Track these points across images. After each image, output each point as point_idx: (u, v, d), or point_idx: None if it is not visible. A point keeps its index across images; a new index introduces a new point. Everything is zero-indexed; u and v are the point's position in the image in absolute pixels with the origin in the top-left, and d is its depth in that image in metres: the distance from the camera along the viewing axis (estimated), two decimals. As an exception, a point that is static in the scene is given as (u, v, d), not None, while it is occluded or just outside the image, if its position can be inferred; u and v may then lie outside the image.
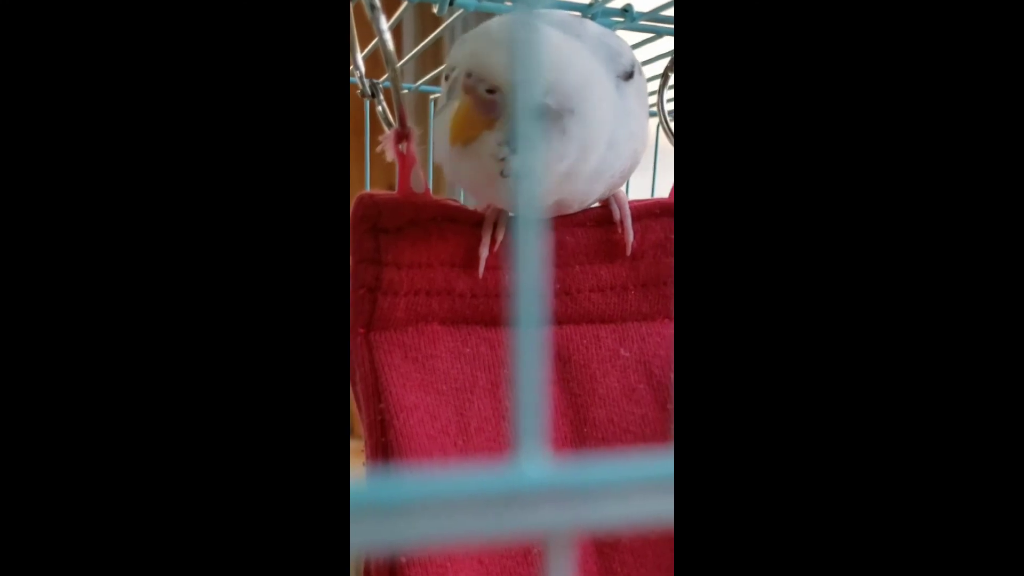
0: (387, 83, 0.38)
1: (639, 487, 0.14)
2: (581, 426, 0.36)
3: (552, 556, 0.14)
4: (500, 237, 0.35)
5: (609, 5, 0.38)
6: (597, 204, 0.37)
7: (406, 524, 0.13)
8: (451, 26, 0.43)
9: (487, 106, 0.29)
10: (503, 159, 0.29)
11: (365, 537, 0.13)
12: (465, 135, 0.30)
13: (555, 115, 0.29)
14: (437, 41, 0.47)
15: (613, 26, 0.39)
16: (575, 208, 0.35)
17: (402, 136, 0.35)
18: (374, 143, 0.48)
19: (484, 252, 0.34)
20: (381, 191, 0.35)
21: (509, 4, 0.38)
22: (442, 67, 0.51)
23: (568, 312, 0.36)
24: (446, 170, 0.33)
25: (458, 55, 0.32)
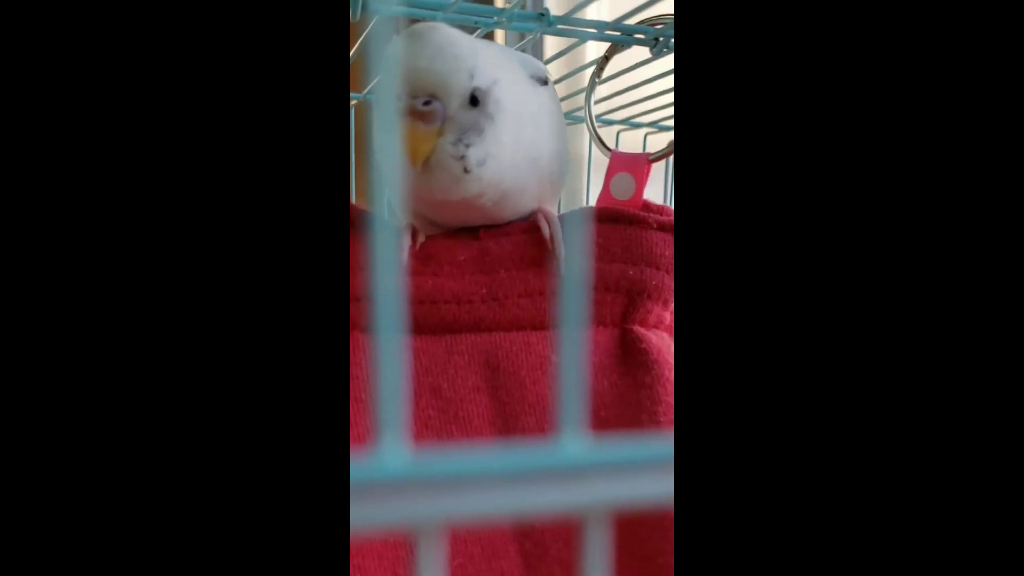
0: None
1: (496, 477, 0.13)
2: (509, 433, 0.35)
3: (422, 547, 0.13)
4: (420, 241, 0.35)
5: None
6: (524, 220, 0.37)
7: None
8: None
9: (429, 117, 0.30)
10: (462, 156, 0.31)
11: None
12: (422, 153, 0.31)
13: (484, 96, 0.31)
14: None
15: (531, 31, 0.39)
16: (508, 214, 0.36)
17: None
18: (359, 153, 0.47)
19: (404, 255, 0.34)
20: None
21: (424, 11, 0.38)
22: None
23: (496, 318, 0.35)
24: (408, 201, 0.34)
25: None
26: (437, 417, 0.34)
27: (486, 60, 0.31)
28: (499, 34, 1.14)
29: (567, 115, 0.62)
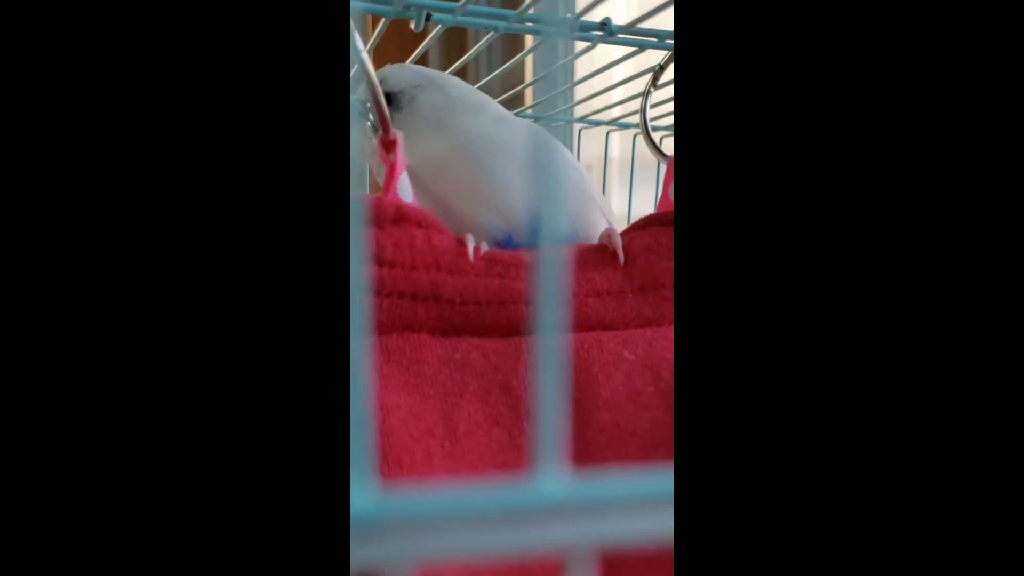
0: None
1: (660, 502, 0.13)
2: (583, 431, 0.34)
3: (573, 573, 0.13)
4: (483, 248, 0.35)
5: (588, 19, 0.38)
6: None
7: (420, 541, 0.12)
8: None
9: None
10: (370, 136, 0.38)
11: (376, 554, 0.12)
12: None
13: (398, 96, 0.38)
14: (422, 57, 0.47)
15: (593, 40, 0.39)
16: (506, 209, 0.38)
17: (388, 144, 0.35)
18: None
19: (470, 245, 0.34)
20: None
21: (486, 20, 0.38)
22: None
23: (566, 319, 0.35)
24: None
25: None
26: (508, 414, 0.34)
27: (405, 72, 0.39)
28: (528, 39, 1.14)
29: (612, 122, 0.62)
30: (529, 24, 0.38)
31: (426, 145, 0.38)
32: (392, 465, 0.29)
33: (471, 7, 0.36)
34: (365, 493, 0.12)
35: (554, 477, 0.13)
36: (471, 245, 0.34)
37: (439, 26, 0.38)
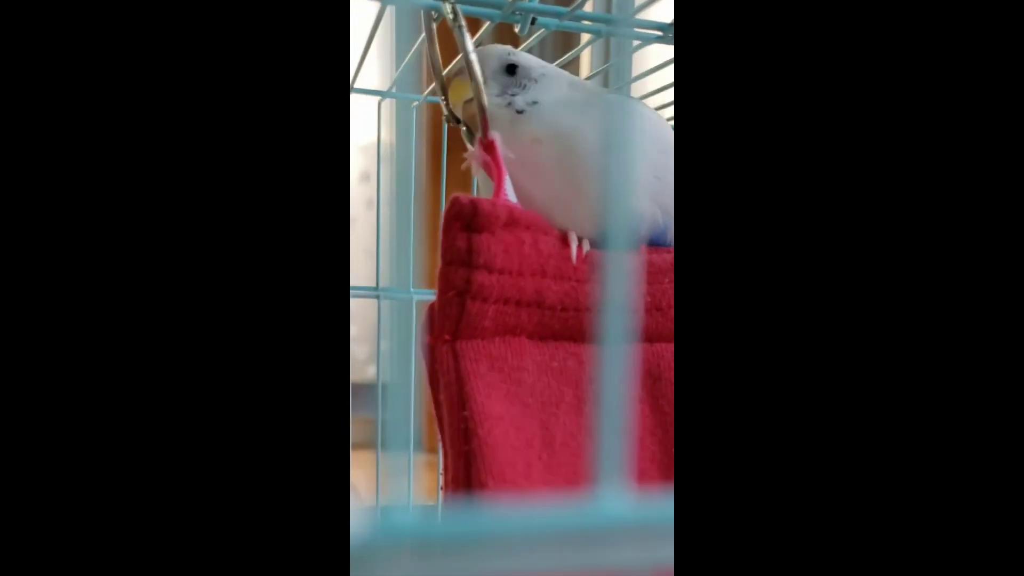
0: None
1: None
2: (670, 445, 0.35)
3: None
4: (586, 247, 0.35)
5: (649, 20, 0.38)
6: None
7: (483, 559, 0.12)
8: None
9: (462, 74, 0.37)
10: (509, 103, 0.36)
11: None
12: (460, 96, 0.37)
13: (525, 70, 0.37)
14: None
15: (650, 40, 0.39)
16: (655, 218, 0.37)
17: (488, 147, 0.35)
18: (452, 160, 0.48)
19: (574, 246, 0.34)
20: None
21: (587, 23, 0.39)
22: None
23: (659, 329, 0.35)
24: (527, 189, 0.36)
25: None
26: None
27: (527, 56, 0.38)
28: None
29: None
30: (634, 29, 0.38)
31: (535, 135, 0.36)
32: (496, 478, 0.30)
33: (579, 12, 0.37)
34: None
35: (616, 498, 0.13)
36: (574, 245, 0.35)
37: (541, 30, 0.39)
